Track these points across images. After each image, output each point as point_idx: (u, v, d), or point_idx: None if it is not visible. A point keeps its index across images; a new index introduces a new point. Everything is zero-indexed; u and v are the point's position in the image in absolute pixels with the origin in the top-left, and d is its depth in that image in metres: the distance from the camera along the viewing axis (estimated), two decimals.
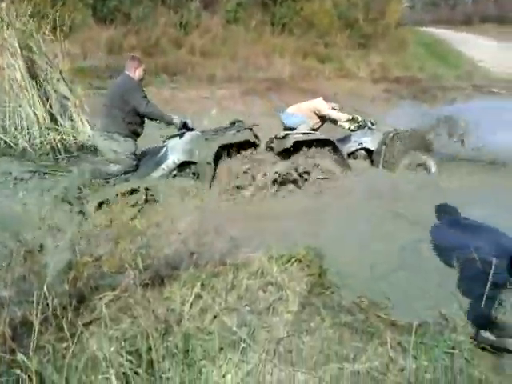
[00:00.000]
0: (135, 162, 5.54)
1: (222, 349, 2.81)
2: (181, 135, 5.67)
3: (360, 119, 6.85)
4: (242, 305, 3.25)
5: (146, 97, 5.41)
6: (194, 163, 5.59)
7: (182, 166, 5.60)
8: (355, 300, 3.51)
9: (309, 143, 5.90)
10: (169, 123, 5.60)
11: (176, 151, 5.58)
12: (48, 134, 6.90)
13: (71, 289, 2.98)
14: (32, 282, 2.76)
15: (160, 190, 5.16)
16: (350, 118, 6.86)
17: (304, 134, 6.16)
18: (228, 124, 6.18)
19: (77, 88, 7.56)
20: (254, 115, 9.90)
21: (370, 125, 6.84)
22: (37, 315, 2.48)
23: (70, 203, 4.86)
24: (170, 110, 9.62)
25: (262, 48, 16.82)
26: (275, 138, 6.11)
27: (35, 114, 6.92)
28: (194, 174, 5.58)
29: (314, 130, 6.86)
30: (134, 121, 5.40)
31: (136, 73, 5.43)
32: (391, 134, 6.60)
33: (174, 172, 5.56)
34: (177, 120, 5.55)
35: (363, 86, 14.41)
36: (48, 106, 7.10)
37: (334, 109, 7.06)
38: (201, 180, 5.49)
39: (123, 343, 2.71)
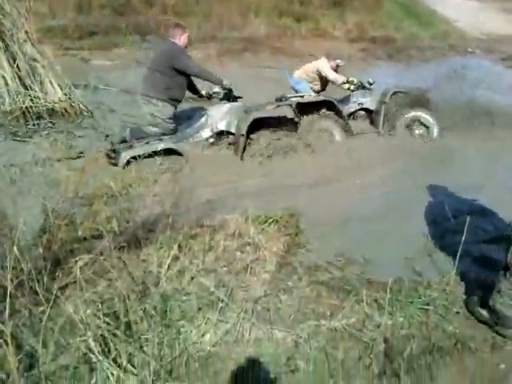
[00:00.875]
0: (173, 126, 5.67)
1: (200, 309, 2.83)
2: (220, 104, 5.83)
3: (355, 81, 6.86)
4: (219, 265, 3.26)
5: (191, 60, 5.57)
6: (232, 134, 5.68)
7: (221, 135, 5.70)
8: (332, 259, 3.56)
9: (311, 105, 5.95)
10: (218, 83, 5.74)
11: (215, 120, 5.68)
12: (17, 98, 6.66)
13: (46, 252, 2.93)
14: (4, 246, 2.70)
15: (189, 156, 5.34)
16: (345, 80, 6.87)
17: (304, 96, 6.19)
18: (274, 99, 6.18)
19: (46, 49, 7.27)
20: (230, 76, 9.74)
21: (367, 85, 6.86)
22: (12, 280, 2.44)
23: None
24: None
25: (237, 7, 16.38)
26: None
27: (3, 77, 6.65)
28: (230, 144, 5.68)
29: (317, 92, 7.10)
30: (176, 86, 5.52)
31: (181, 39, 5.57)
32: (390, 93, 6.59)
33: (212, 140, 5.66)
34: (226, 82, 5.71)
35: (339, 45, 14.20)
36: (16, 68, 6.83)
37: (337, 66, 7.16)
38: (235, 150, 5.60)
39: (100, 306, 2.69)
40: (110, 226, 3.35)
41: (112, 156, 5.29)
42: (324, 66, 7.05)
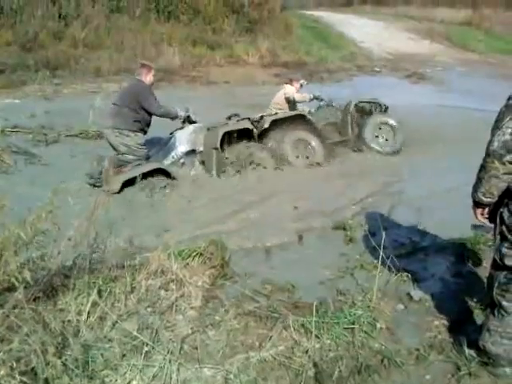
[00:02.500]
0: (146, 151, 6.10)
1: (124, 355, 2.71)
2: (184, 127, 6.32)
3: (321, 95, 7.45)
4: (142, 307, 3.16)
5: (155, 99, 5.94)
6: (199, 152, 6.11)
7: (189, 154, 6.11)
8: (258, 287, 3.56)
9: (284, 120, 6.48)
10: (175, 118, 6.25)
11: (182, 141, 6.14)
12: None
13: None
14: None
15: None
16: (312, 97, 7.35)
17: (275, 114, 6.74)
18: (226, 118, 6.70)
19: None
20: None
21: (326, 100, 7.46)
22: None
23: None
24: (55, 108, 9.18)
25: (149, 37, 16.31)
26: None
27: None
28: (200, 162, 6.11)
29: None
30: (142, 119, 5.90)
31: (147, 78, 5.97)
32: (352, 104, 7.15)
33: (182, 160, 6.08)
34: (182, 113, 6.23)
35: (254, 71, 14.52)
36: None
37: (301, 85, 7.63)
38: (206, 167, 6.04)
39: (15, 364, 2.51)
40: (23, 276, 3.15)
41: (98, 184, 5.65)
42: (289, 91, 7.41)
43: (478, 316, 3.12)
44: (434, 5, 34.10)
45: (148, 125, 6.05)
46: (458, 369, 2.72)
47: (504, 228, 2.53)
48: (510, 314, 2.58)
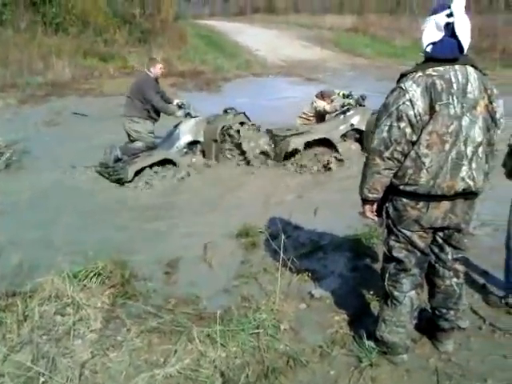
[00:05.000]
0: (154, 140, 6.85)
1: None
2: (187, 120, 6.90)
3: (349, 102, 7.42)
4: (37, 335, 2.97)
5: (158, 92, 6.71)
6: (200, 142, 6.89)
7: (191, 145, 6.88)
8: (162, 302, 3.48)
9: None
10: (171, 115, 6.88)
11: (185, 133, 6.83)
12: None
13: None
14: None
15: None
16: (342, 104, 7.34)
17: (300, 133, 6.87)
18: (223, 111, 7.24)
19: None
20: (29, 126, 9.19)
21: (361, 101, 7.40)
22: None
23: None
24: None
25: (37, 50, 15.54)
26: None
27: None
28: (201, 151, 6.92)
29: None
30: (151, 108, 6.59)
31: (154, 71, 6.66)
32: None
33: (185, 150, 6.83)
34: (179, 113, 6.85)
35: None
36: None
37: (331, 101, 7.57)
38: (206, 156, 6.86)
39: None
40: None
41: (111, 173, 6.18)
42: (320, 105, 7.48)
43: (375, 308, 3.25)
44: (322, 12, 35.68)
45: (157, 113, 6.73)
46: (360, 361, 2.83)
47: (390, 222, 2.67)
48: (401, 304, 2.72)
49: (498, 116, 2.50)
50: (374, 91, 9.57)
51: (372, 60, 19.81)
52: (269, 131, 7.02)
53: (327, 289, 3.64)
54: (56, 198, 5.59)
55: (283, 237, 3.64)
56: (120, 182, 6.07)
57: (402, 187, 2.51)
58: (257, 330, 3.06)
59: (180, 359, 2.81)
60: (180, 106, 6.96)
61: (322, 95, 7.69)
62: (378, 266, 3.75)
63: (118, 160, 6.36)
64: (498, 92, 2.51)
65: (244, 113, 7.17)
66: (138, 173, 6.09)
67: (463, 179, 2.43)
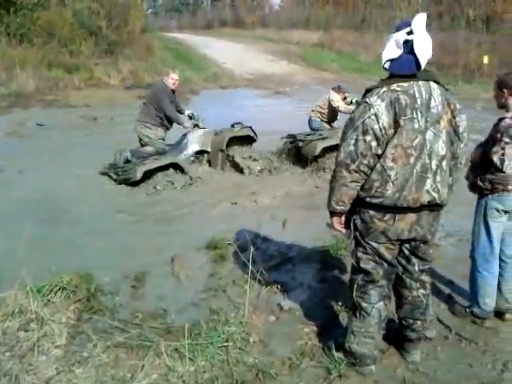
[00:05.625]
0: (164, 146, 7.02)
1: None
2: (196, 130, 7.16)
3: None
4: (0, 352, 2.88)
5: (173, 102, 6.92)
6: (207, 152, 7.15)
7: (198, 154, 7.16)
8: (129, 317, 3.42)
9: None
10: (181, 125, 7.07)
11: (193, 142, 7.10)
12: None
13: None
14: None
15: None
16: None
17: (325, 138, 7.09)
18: (230, 125, 7.44)
19: None
20: None
21: None
22: None
23: None
24: None
25: (0, 61, 15.28)
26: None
27: None
28: (207, 161, 7.21)
29: (329, 123, 8.30)
30: (164, 116, 6.81)
31: (168, 80, 6.84)
32: None
33: (192, 158, 7.09)
34: (188, 124, 7.09)
35: (116, 93, 14.17)
36: None
37: (345, 97, 8.03)
38: (212, 165, 7.16)
39: None
40: None
41: (120, 173, 6.50)
42: (334, 98, 7.89)
43: (344, 319, 3.26)
44: (289, 27, 36.10)
45: (170, 122, 6.92)
46: (329, 372, 2.83)
47: (357, 234, 2.70)
48: (370, 315, 2.75)
49: (461, 130, 2.57)
50: None
51: (338, 74, 20.15)
52: (291, 136, 7.46)
53: (296, 301, 3.64)
54: (21, 209, 5.46)
55: (252, 249, 3.63)
56: (128, 182, 6.33)
57: (368, 199, 2.55)
58: (226, 343, 3.04)
59: (147, 374, 2.76)
60: (190, 117, 7.23)
61: (338, 88, 8.07)
62: (346, 278, 3.79)
63: (127, 162, 6.71)
64: (460, 107, 2.60)
65: (251, 127, 7.38)
66: (146, 175, 6.30)
67: (428, 192, 2.49)
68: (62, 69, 16.12)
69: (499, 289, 3.34)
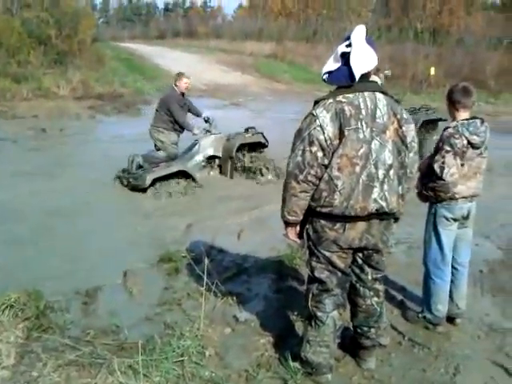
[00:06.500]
0: (176, 151, 7.19)
1: None
2: (207, 135, 7.33)
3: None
4: None
5: (182, 106, 7.01)
6: (218, 157, 7.36)
7: (210, 159, 7.35)
8: (80, 334, 3.32)
9: None
10: (190, 131, 7.10)
11: (205, 147, 7.27)
12: None
13: None
14: None
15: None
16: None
17: None
18: (243, 130, 7.54)
19: None
20: None
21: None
22: None
23: None
24: None
25: None
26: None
27: None
28: (218, 166, 7.44)
29: None
30: (174, 121, 6.93)
31: (179, 85, 6.97)
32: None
33: (203, 163, 7.29)
34: (196, 131, 7.14)
35: (65, 104, 13.83)
36: None
37: (386, 77, 8.14)
38: (223, 171, 7.37)
39: None
40: None
41: (131, 180, 6.57)
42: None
43: (300, 329, 3.27)
44: (242, 38, 36.41)
45: (181, 126, 7.00)
46: (286, 383, 2.84)
47: (310, 243, 2.73)
48: (325, 324, 2.77)
49: (408, 140, 2.63)
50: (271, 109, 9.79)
51: (291, 85, 20.42)
52: None
53: (252, 312, 3.64)
54: None
55: (207, 261, 3.61)
56: (137, 188, 6.46)
57: (318, 209, 2.59)
58: (181, 358, 2.99)
59: None
60: (206, 120, 7.37)
61: (377, 69, 8.05)
62: (301, 287, 3.83)
63: (139, 167, 6.75)
64: (407, 116, 2.66)
65: (262, 133, 7.50)
66: (155, 181, 6.43)
67: (375, 200, 2.54)
68: (9, 79, 15.61)
69: (450, 296, 3.43)
